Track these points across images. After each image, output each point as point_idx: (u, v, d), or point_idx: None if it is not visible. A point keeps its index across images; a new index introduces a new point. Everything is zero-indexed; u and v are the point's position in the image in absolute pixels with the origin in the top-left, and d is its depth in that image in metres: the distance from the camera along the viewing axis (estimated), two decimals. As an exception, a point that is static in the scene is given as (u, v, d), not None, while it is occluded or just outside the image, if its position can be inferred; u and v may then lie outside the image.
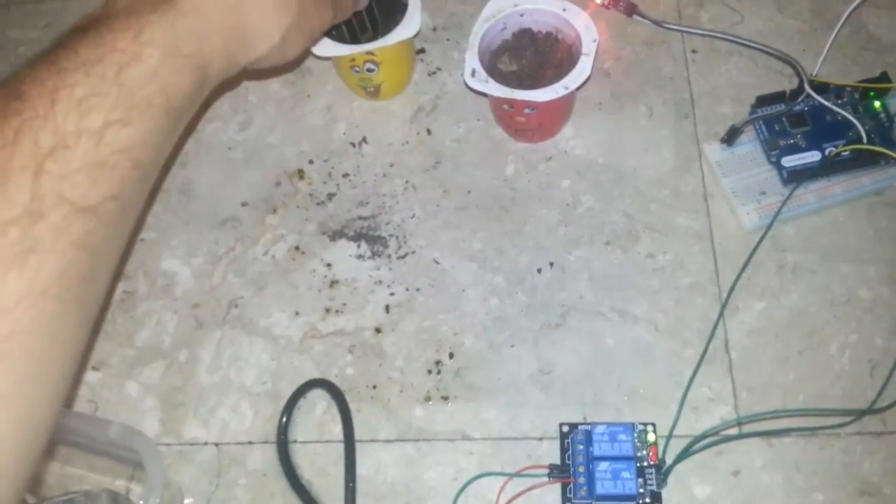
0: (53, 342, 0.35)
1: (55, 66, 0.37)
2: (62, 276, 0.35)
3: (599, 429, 0.53)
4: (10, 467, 0.33)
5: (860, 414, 0.52)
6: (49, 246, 0.34)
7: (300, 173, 0.64)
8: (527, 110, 0.59)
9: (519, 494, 0.53)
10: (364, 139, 0.65)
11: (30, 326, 0.33)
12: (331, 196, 0.63)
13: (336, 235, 0.62)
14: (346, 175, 0.64)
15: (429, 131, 0.65)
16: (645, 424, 0.54)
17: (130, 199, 0.39)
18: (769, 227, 0.58)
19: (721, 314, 0.57)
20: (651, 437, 0.53)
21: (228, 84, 0.64)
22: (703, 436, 0.52)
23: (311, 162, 0.65)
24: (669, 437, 0.53)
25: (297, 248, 0.62)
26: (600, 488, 0.51)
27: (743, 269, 0.58)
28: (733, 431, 0.53)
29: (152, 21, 0.40)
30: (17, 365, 0.33)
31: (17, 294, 0.33)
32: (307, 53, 0.60)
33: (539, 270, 0.60)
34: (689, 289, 0.59)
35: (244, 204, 0.64)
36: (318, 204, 0.63)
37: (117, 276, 0.61)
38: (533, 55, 0.62)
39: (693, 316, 0.58)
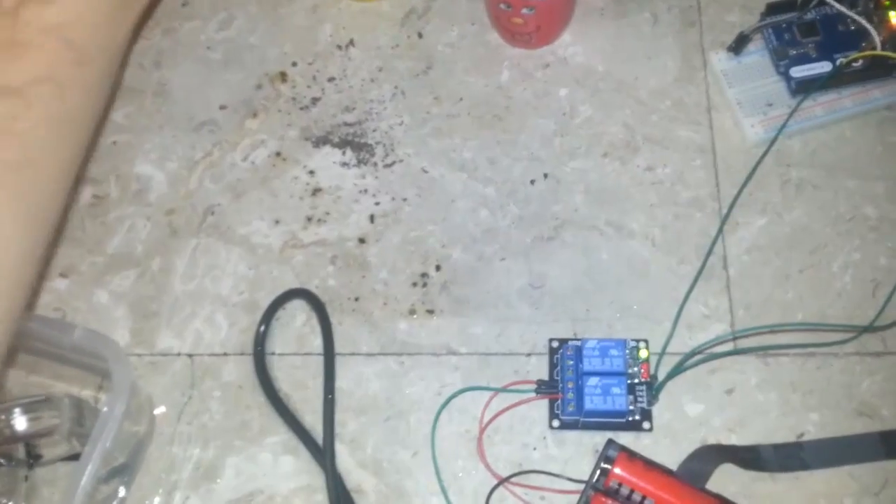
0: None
1: None
2: None
3: (590, 344, 0.51)
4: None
5: (860, 331, 0.50)
6: None
7: (283, 76, 0.61)
8: (525, 10, 0.55)
9: (505, 410, 0.51)
10: (351, 41, 0.62)
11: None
12: (315, 101, 0.60)
13: (320, 142, 0.59)
14: (331, 79, 0.61)
15: (420, 35, 0.62)
16: (637, 341, 0.51)
17: (67, 83, 0.36)
18: (774, 139, 0.56)
19: (720, 230, 0.54)
20: (643, 354, 0.51)
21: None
22: (694, 352, 0.50)
23: (294, 64, 0.61)
24: (662, 353, 0.51)
25: (278, 154, 0.59)
26: (589, 404, 0.49)
27: (745, 184, 0.55)
28: (728, 348, 0.51)
29: None
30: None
31: None
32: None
33: (532, 182, 0.57)
34: (689, 204, 0.56)
35: (223, 107, 0.60)
36: (301, 108, 0.60)
37: (85, 179, 0.58)
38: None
39: (691, 231, 0.55)
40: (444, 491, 0.49)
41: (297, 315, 0.54)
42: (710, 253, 0.53)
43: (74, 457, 0.48)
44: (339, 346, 0.53)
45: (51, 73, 0.34)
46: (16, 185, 0.33)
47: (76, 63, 0.36)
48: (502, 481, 0.49)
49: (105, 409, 0.44)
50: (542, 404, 0.51)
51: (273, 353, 0.53)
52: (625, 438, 0.50)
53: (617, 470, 0.47)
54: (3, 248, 0.33)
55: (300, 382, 0.53)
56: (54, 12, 0.34)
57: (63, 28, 0.35)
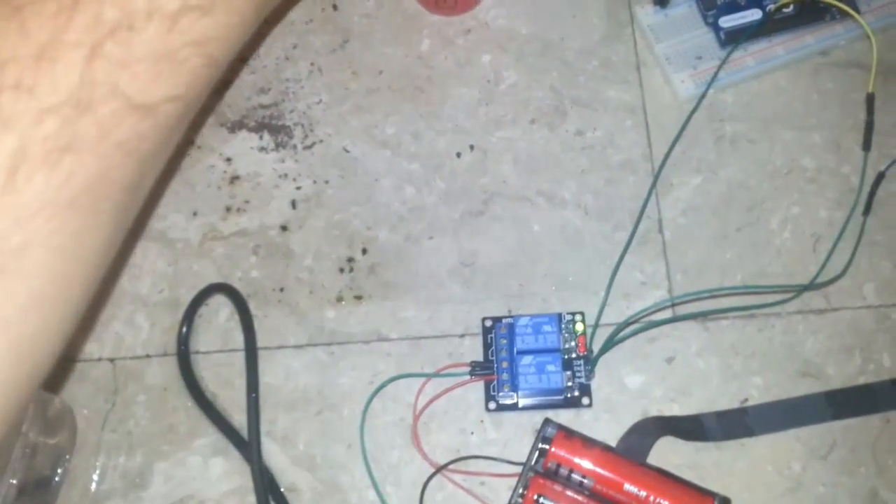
0: (76, 261, 0.29)
1: None
2: (99, 184, 0.28)
3: (522, 321, 0.49)
4: (2, 401, 0.28)
5: (801, 289, 0.49)
6: (90, 146, 0.27)
7: (193, 60, 0.58)
8: (437, -25, 0.53)
9: (439, 395, 0.49)
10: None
11: (49, 241, 0.27)
12: (227, 84, 0.57)
13: (235, 127, 0.56)
14: (242, 59, 0.58)
15: (335, 6, 0.59)
16: (573, 314, 0.50)
17: (194, 102, 0.32)
18: (704, 93, 0.53)
19: (651, 190, 0.52)
20: (579, 327, 0.49)
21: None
22: (628, 321, 0.48)
23: (204, 47, 0.58)
24: (595, 325, 0.49)
25: (192, 142, 0.56)
26: (524, 383, 0.47)
27: (675, 141, 0.53)
28: (667, 315, 0.50)
29: None
30: (27, 284, 0.27)
31: (40, 200, 0.26)
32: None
33: (458, 154, 0.55)
34: (621, 167, 0.54)
35: (132, 97, 0.57)
36: (213, 93, 0.57)
37: None
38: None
39: (625, 196, 0.53)
40: (375, 484, 0.47)
41: (221, 310, 0.52)
42: (641, 216, 0.51)
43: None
44: (265, 340, 0.51)
45: (186, 91, 0.30)
46: (121, 211, 0.30)
47: (208, 81, 0.32)
48: (438, 469, 0.47)
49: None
50: (478, 387, 0.49)
51: (198, 352, 0.51)
52: (564, 416, 0.48)
53: (554, 449, 0.45)
54: (94, 278, 0.31)
55: (227, 380, 0.50)
56: (209, 25, 0.30)
57: (210, 43, 0.30)
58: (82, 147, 0.27)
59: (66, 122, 0.26)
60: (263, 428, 0.49)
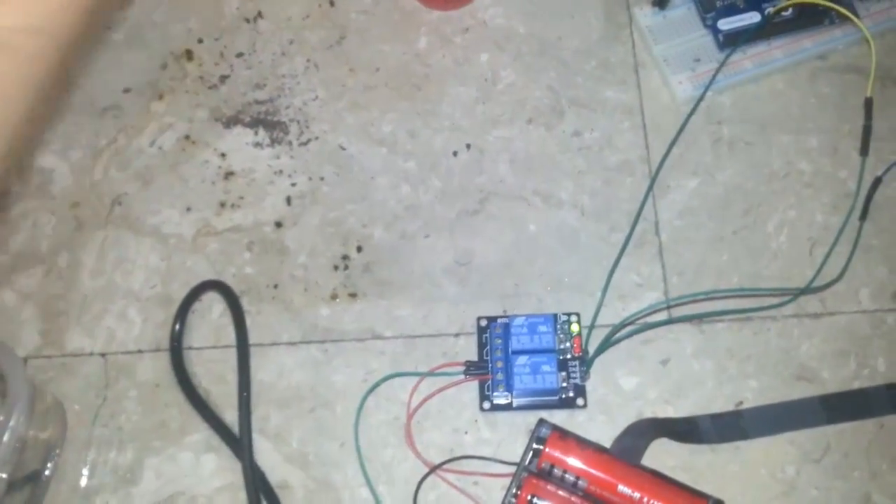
0: None
1: None
2: None
3: (518, 321, 0.49)
4: None
5: (798, 293, 0.49)
6: None
7: (188, 54, 0.58)
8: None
9: (433, 394, 0.49)
10: (259, 14, 0.58)
11: None
12: (224, 79, 0.57)
13: (230, 122, 0.56)
14: (240, 55, 0.57)
15: (332, 3, 0.59)
16: (568, 315, 0.49)
17: (59, 36, 0.31)
18: (702, 96, 0.53)
19: (648, 192, 0.52)
20: (575, 328, 0.49)
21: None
22: (624, 323, 0.48)
23: (200, 41, 0.58)
24: (591, 327, 0.49)
25: (186, 137, 0.56)
26: (519, 383, 0.47)
27: (673, 144, 0.53)
28: (662, 317, 0.49)
29: None
30: None
31: None
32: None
33: (455, 153, 0.54)
34: (618, 168, 0.54)
35: (126, 90, 0.57)
36: (209, 88, 0.57)
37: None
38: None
39: (622, 197, 0.53)
40: (368, 482, 0.47)
41: (214, 306, 0.52)
42: (637, 218, 0.51)
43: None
44: (259, 336, 0.51)
45: (43, 24, 0.30)
46: None
47: (75, 18, 0.31)
48: (433, 469, 0.47)
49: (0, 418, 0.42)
50: (473, 386, 0.49)
51: (190, 348, 0.51)
52: (559, 416, 0.48)
53: (548, 450, 0.45)
54: None
55: (219, 377, 0.50)
56: None
57: None
58: None
59: None
60: (256, 425, 0.49)
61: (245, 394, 0.48)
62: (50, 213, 0.54)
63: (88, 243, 0.53)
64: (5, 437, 0.41)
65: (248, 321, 0.51)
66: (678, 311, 0.49)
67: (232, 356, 0.50)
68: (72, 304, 0.52)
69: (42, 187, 0.55)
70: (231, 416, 0.49)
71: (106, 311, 0.52)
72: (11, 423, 0.42)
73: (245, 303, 0.51)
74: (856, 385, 0.48)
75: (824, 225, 0.51)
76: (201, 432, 0.49)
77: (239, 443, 0.48)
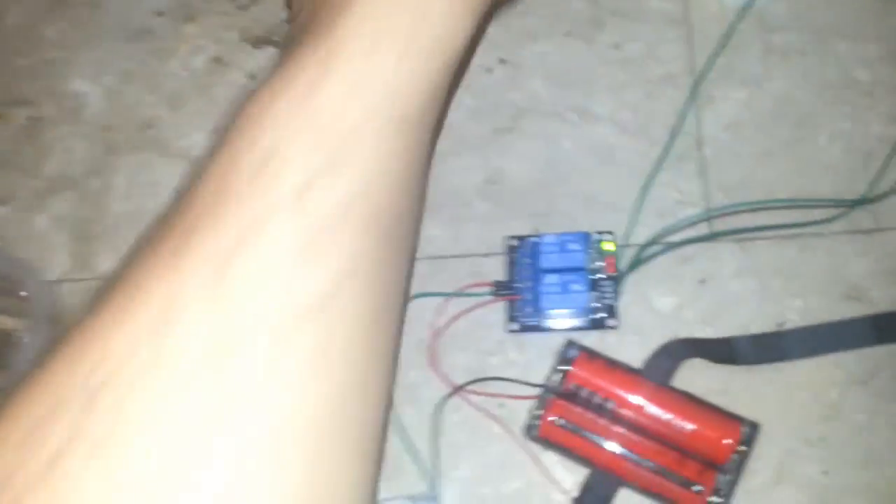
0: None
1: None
2: (296, 415, 0.23)
3: (548, 239, 0.47)
4: None
5: (850, 204, 0.45)
6: (256, 390, 0.22)
7: (219, -25, 0.57)
8: None
9: (460, 314, 0.47)
10: (289, -69, 0.57)
11: None
12: (254, -1, 0.56)
13: (260, 42, 0.55)
14: (269, -26, 0.56)
15: (363, -82, 0.57)
16: (601, 233, 0.47)
17: (373, 272, 0.26)
18: (753, 1, 0.50)
19: (690, 102, 0.49)
20: (608, 247, 0.47)
21: None
22: (657, 238, 0.45)
23: (230, -39, 0.57)
24: (624, 244, 0.46)
25: (217, 59, 0.55)
26: (547, 303, 0.45)
27: (719, 52, 0.49)
28: (702, 232, 0.47)
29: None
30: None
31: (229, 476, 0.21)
32: None
33: (488, 70, 0.52)
34: (660, 81, 0.51)
35: (159, 13, 0.56)
36: (239, 8, 0.56)
37: (18, 100, 0.55)
38: None
39: (663, 111, 0.50)
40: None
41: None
42: (678, 130, 0.48)
43: None
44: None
45: (352, 267, 0.25)
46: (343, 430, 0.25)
47: (378, 240, 0.26)
48: (456, 389, 0.46)
49: (25, 339, 0.42)
50: (501, 307, 0.47)
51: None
52: (590, 338, 0.46)
53: (576, 371, 0.43)
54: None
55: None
56: (343, 185, 0.25)
57: (357, 203, 0.25)
58: (246, 395, 0.22)
59: (212, 386, 0.21)
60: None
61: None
62: (82, 137, 0.54)
63: (120, 167, 0.53)
64: (27, 355, 0.41)
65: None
66: (719, 226, 0.47)
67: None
68: (103, 228, 0.52)
69: (75, 112, 0.55)
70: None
71: (136, 234, 0.52)
72: (36, 342, 0.42)
73: (273, 224, 0.50)
74: (910, 305, 0.45)
75: (881, 137, 0.48)
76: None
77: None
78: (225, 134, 0.26)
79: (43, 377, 0.21)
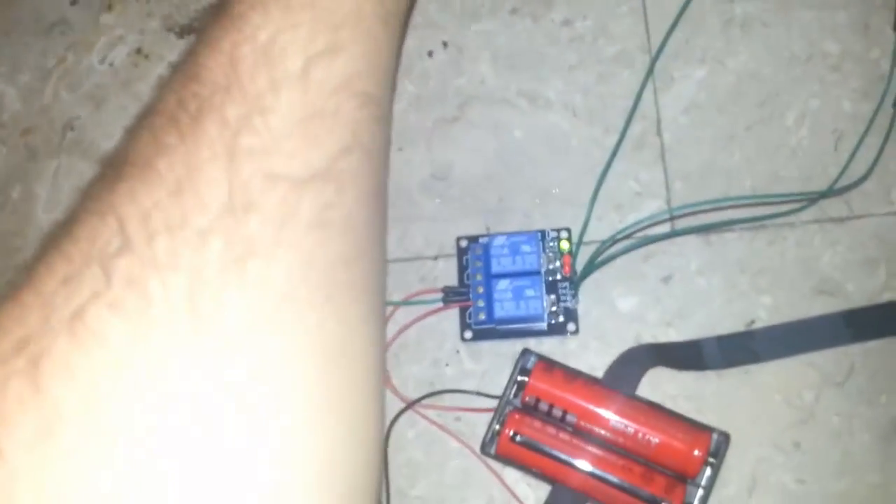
0: (338, 367, 0.25)
1: (227, 18, 0.26)
2: (307, 272, 0.24)
3: (498, 241, 0.44)
4: None
5: (818, 196, 0.42)
6: (271, 242, 0.24)
7: (137, -42, 0.52)
8: None
9: (410, 324, 0.44)
10: None
11: (283, 360, 0.23)
12: (175, -17, 0.51)
13: (185, 31, 0.51)
14: (191, -45, 0.52)
15: None
16: (558, 231, 0.44)
17: (370, 145, 0.28)
18: (710, -29, 0.46)
19: (645, 83, 0.46)
20: (565, 246, 0.44)
21: None
22: (617, 236, 0.42)
23: (149, -57, 0.52)
24: (579, 243, 0.43)
25: (138, 51, 0.51)
26: (499, 311, 0.43)
27: (674, 25, 0.46)
28: (664, 229, 0.44)
29: None
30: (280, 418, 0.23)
31: (245, 320, 0.22)
32: None
33: (430, 53, 0.49)
34: (614, 60, 0.47)
35: (73, 2, 0.52)
36: (161, -5, 0.52)
37: (-81, 103, 0.51)
38: None
39: (618, 94, 0.47)
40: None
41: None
42: (632, 115, 0.45)
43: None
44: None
45: (354, 140, 0.27)
46: (352, 285, 0.26)
47: (374, 119, 0.28)
48: (409, 405, 0.43)
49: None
50: (454, 314, 0.44)
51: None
52: (548, 344, 0.43)
53: (533, 382, 0.40)
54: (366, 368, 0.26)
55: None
56: (345, 63, 0.27)
57: (354, 80, 0.27)
58: (262, 247, 0.23)
59: (229, 233, 0.23)
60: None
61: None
62: (0, 143, 0.50)
63: (41, 173, 0.50)
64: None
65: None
66: (682, 223, 0.44)
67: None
68: (28, 241, 0.49)
69: (-11, 115, 0.51)
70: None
71: (61, 246, 0.48)
72: None
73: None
74: (885, 297, 0.42)
75: (852, 114, 0.45)
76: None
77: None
78: (228, 22, 0.26)
79: (69, 236, 0.22)
